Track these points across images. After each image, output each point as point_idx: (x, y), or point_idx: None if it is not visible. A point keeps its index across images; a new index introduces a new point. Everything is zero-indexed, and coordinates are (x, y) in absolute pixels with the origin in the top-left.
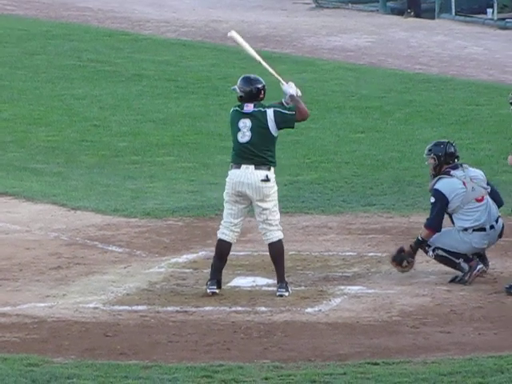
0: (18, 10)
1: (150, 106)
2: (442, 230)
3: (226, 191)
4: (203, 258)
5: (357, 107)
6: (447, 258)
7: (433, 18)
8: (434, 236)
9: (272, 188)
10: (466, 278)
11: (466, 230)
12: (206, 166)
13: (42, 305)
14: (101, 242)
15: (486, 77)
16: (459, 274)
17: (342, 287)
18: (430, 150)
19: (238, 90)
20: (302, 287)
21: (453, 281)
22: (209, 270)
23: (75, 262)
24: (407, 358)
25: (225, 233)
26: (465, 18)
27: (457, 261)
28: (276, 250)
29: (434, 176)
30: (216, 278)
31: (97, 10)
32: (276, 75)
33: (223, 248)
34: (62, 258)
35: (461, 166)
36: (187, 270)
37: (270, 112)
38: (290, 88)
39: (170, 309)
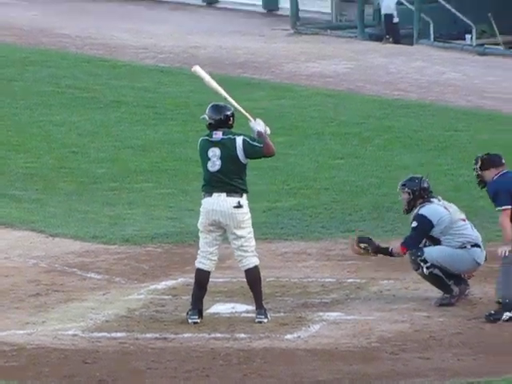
0: None
1: (128, 133)
2: (439, 247)
3: (200, 221)
4: (182, 285)
5: (336, 133)
6: (441, 278)
7: (411, 43)
8: (433, 252)
9: (245, 214)
10: (453, 301)
11: (464, 246)
12: (184, 193)
13: (21, 332)
14: (80, 269)
15: (464, 103)
16: (442, 296)
17: (321, 313)
18: (404, 185)
19: (207, 118)
20: (281, 313)
21: (442, 304)
22: (188, 297)
23: (54, 289)
24: None
25: (202, 262)
26: (443, 44)
27: (448, 282)
28: (253, 276)
29: (407, 211)
30: (197, 307)
31: (75, 36)
32: (243, 111)
33: (202, 277)
34: (41, 285)
35: (435, 197)
36: (166, 297)
37: (239, 140)
38: (258, 125)
39: (149, 336)
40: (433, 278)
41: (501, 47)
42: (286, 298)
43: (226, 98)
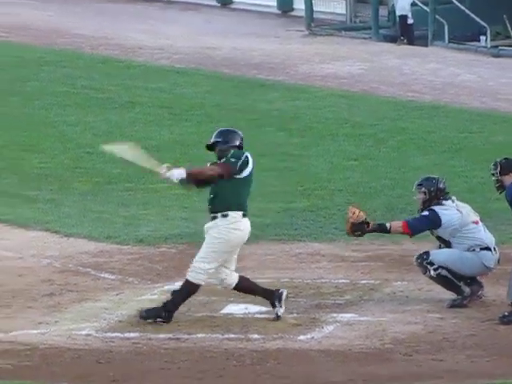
0: (11, 37)
1: (143, 133)
2: (447, 250)
3: (236, 240)
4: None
5: (350, 134)
6: (450, 279)
7: (426, 45)
8: (440, 255)
9: None
10: (465, 302)
11: (473, 250)
12: (198, 193)
13: (35, 332)
14: (93, 269)
15: (478, 104)
16: (454, 297)
17: (335, 315)
18: (420, 185)
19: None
20: (295, 314)
21: (453, 306)
22: (202, 298)
23: (68, 288)
24: None
25: (204, 280)
26: (458, 46)
27: (458, 283)
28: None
29: (422, 211)
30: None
31: (90, 36)
32: (151, 167)
33: (195, 292)
34: (55, 284)
35: (450, 198)
36: None
37: None
38: (171, 176)
39: (162, 336)
40: (441, 280)
41: None
42: (299, 299)
43: (134, 162)
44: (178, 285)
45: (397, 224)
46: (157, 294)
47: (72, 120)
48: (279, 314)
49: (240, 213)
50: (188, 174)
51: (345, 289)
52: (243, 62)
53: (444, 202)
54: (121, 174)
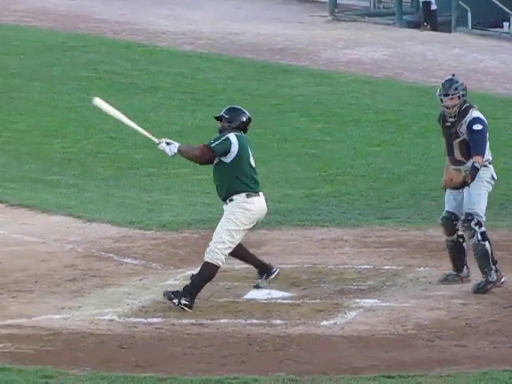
0: (34, 22)
1: (166, 119)
2: (473, 192)
3: (245, 220)
4: (218, 271)
5: (373, 120)
6: (489, 256)
7: (449, 31)
8: (476, 202)
9: None
10: (489, 287)
11: (490, 163)
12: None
13: (58, 317)
14: (116, 254)
15: (502, 90)
16: (478, 281)
17: (358, 300)
18: (456, 89)
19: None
20: (318, 300)
21: (478, 290)
22: (224, 283)
23: (91, 274)
24: (422, 372)
25: (222, 260)
26: (481, 32)
27: (492, 265)
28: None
29: (456, 116)
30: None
31: (113, 21)
32: (147, 135)
33: (215, 274)
34: (78, 269)
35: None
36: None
37: None
38: (165, 149)
39: (185, 321)
40: (481, 252)
41: None
42: (322, 285)
43: (130, 126)
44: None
45: (479, 159)
46: (180, 280)
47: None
48: (260, 285)
49: (243, 194)
50: (179, 151)
51: (368, 274)
52: (266, 48)
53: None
54: (143, 159)
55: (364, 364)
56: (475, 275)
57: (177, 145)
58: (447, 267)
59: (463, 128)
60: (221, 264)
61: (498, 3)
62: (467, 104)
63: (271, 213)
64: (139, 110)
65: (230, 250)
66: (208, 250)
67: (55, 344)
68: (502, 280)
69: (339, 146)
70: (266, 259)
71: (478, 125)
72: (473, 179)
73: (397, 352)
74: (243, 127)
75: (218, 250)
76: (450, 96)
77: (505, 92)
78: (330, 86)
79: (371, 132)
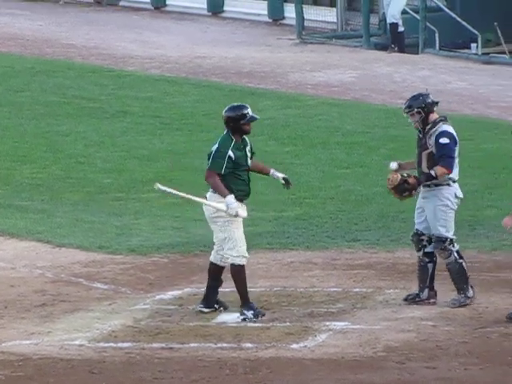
0: (1, 48)
1: (134, 143)
2: (434, 215)
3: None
4: (188, 295)
5: (341, 143)
6: (465, 272)
7: (417, 52)
8: (439, 223)
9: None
10: (468, 302)
11: (454, 181)
12: (190, 203)
13: (27, 342)
14: (86, 279)
15: (469, 111)
16: (456, 297)
17: (328, 323)
18: (410, 107)
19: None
20: (288, 323)
21: (460, 304)
22: (194, 306)
23: (60, 299)
24: None
25: (241, 259)
26: (449, 53)
27: (467, 281)
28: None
29: (423, 129)
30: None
31: (81, 46)
32: (220, 207)
33: (244, 272)
34: (47, 295)
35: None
36: (172, 307)
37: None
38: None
39: (155, 345)
40: (458, 270)
41: (506, 56)
42: (292, 308)
43: (198, 201)
44: (169, 294)
45: (439, 170)
46: (149, 304)
47: (63, 130)
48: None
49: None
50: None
51: (337, 297)
52: (233, 71)
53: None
54: (112, 184)
55: None
56: (442, 297)
57: (227, 202)
58: (417, 289)
59: (432, 140)
60: (244, 262)
61: (465, 24)
62: (439, 117)
63: None
64: (108, 135)
65: (242, 247)
66: (224, 258)
67: (25, 369)
68: (432, 300)
69: (308, 168)
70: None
71: (445, 139)
72: (420, 184)
73: (367, 374)
74: (234, 126)
75: (229, 254)
76: (406, 113)
77: (473, 113)
78: (297, 109)
79: (340, 154)
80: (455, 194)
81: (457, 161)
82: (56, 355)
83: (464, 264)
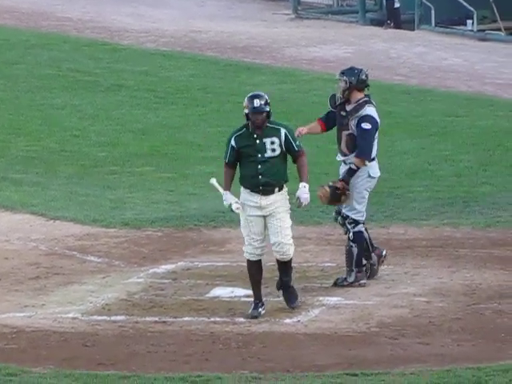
0: None
1: (129, 117)
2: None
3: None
4: (182, 269)
5: None
6: (353, 258)
7: (412, 29)
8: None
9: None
10: (345, 285)
11: (373, 159)
12: (184, 177)
13: (21, 315)
14: (79, 252)
15: (465, 88)
16: (341, 277)
17: (321, 298)
18: (343, 73)
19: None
20: (281, 298)
21: (337, 284)
22: (188, 280)
23: (54, 271)
24: (385, 370)
25: (258, 252)
26: (444, 30)
27: (354, 268)
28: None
29: (341, 99)
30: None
31: (76, 19)
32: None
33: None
34: (41, 267)
35: (372, 103)
36: (166, 281)
37: None
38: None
39: (148, 319)
40: (349, 253)
41: (502, 33)
42: None
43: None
44: (163, 268)
45: (357, 162)
46: (143, 278)
47: (58, 103)
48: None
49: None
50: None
51: (331, 272)
52: (229, 46)
53: (372, 101)
54: (106, 157)
55: (327, 362)
56: (437, 273)
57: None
58: (410, 265)
59: (354, 123)
60: (256, 258)
61: (461, 1)
62: (364, 98)
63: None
64: (103, 109)
65: (257, 242)
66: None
67: (18, 342)
68: (362, 282)
69: (303, 143)
70: (228, 257)
71: (367, 124)
72: (347, 183)
73: (360, 350)
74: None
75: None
76: (337, 78)
77: (468, 90)
78: (293, 84)
79: (334, 130)
80: (368, 173)
81: (376, 141)
82: (49, 328)
83: (355, 250)
